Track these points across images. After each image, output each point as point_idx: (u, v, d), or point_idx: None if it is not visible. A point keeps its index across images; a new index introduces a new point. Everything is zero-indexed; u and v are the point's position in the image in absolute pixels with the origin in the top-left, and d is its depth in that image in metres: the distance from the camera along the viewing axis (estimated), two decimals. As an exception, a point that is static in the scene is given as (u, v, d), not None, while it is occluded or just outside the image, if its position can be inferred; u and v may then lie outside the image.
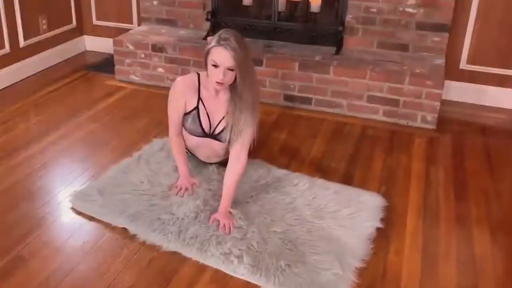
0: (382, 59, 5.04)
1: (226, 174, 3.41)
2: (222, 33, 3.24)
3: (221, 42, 3.17)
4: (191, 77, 3.57)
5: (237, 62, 3.17)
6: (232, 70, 3.21)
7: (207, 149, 3.69)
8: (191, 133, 3.60)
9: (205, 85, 3.50)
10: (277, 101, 5.14)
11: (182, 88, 3.55)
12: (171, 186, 3.62)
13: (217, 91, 3.45)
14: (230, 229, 3.21)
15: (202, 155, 3.81)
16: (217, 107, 3.50)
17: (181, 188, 3.57)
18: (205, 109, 3.52)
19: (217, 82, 3.25)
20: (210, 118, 3.53)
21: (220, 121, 3.50)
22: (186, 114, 3.57)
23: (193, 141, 3.66)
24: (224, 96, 3.45)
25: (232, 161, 3.41)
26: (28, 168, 3.96)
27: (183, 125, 3.61)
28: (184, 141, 3.69)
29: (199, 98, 3.52)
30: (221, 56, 3.18)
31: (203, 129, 3.56)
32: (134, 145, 4.25)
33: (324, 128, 4.68)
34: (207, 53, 3.24)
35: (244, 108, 3.33)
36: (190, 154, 3.86)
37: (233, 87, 3.34)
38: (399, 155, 4.23)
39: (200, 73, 3.57)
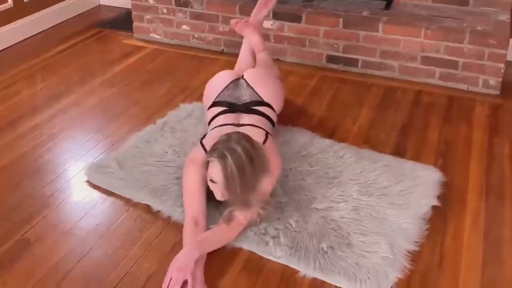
0: (439, 14, 5.00)
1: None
2: (225, 143, 2.95)
3: (221, 158, 2.89)
4: (198, 153, 3.24)
5: (234, 189, 2.92)
6: None
7: None
8: None
9: None
10: (318, 63, 5.14)
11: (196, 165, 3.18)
12: None
13: None
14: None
15: None
16: None
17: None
18: None
19: None
20: None
21: None
22: None
23: None
24: None
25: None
26: (34, 140, 4.00)
27: None
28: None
29: None
30: (220, 176, 2.91)
31: None
32: (157, 113, 4.29)
33: (373, 94, 4.68)
34: (207, 161, 3.00)
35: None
36: None
37: None
38: (458, 124, 4.21)
39: (204, 142, 3.28)
